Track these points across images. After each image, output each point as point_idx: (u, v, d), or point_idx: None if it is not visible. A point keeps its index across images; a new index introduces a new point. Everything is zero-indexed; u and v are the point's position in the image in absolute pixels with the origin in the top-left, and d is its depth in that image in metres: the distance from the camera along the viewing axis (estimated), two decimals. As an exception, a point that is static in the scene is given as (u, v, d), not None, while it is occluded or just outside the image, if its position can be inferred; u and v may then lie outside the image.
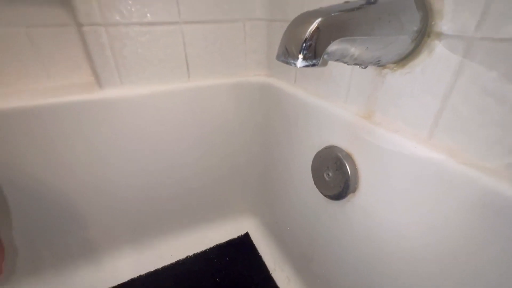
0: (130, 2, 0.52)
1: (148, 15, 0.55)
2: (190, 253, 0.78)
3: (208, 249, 0.80)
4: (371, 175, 0.43)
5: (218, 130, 0.72)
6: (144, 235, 0.78)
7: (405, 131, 0.38)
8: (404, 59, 0.36)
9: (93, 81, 0.60)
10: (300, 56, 0.27)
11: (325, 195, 0.51)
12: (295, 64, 0.28)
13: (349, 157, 0.46)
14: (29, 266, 0.69)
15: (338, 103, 0.49)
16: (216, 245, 0.81)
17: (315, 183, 0.54)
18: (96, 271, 0.73)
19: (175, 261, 0.76)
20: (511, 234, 0.27)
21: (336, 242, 0.54)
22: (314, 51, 0.27)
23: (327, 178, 0.50)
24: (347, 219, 0.49)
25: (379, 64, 0.35)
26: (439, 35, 0.32)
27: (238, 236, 0.84)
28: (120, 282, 0.70)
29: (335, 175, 0.48)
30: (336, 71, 0.48)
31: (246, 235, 0.85)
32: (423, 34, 0.33)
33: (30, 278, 0.70)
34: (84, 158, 0.62)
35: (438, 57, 0.32)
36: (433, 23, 0.32)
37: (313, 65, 0.28)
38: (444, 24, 0.31)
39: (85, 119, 0.58)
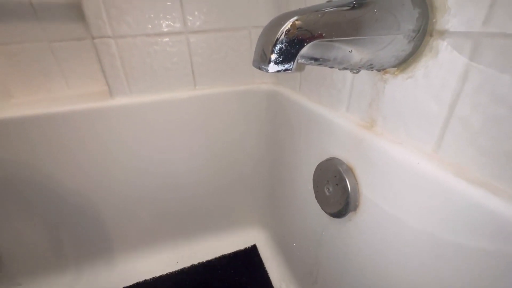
0: (137, 14, 0.55)
1: (155, 26, 0.56)
2: (196, 262, 0.78)
3: (214, 259, 0.79)
4: (372, 192, 0.38)
5: (224, 137, 0.71)
6: (152, 240, 0.79)
7: (409, 144, 0.33)
8: (404, 62, 0.32)
9: (107, 90, 0.64)
10: (272, 60, 0.25)
11: (325, 212, 0.47)
12: (266, 69, 0.26)
13: (349, 171, 0.42)
14: (47, 263, 0.74)
15: (340, 111, 0.45)
16: (223, 255, 0.80)
17: (316, 198, 0.50)
18: (105, 271, 0.75)
19: (180, 269, 0.76)
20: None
21: (339, 265, 0.49)
22: (286, 54, 0.25)
23: (327, 193, 0.46)
24: (349, 240, 0.45)
25: (373, 68, 0.31)
26: (443, 34, 0.27)
27: (246, 248, 0.82)
28: (125, 285, 0.72)
29: (335, 191, 0.44)
30: (337, 76, 0.44)
31: (254, 248, 0.82)
32: (424, 33, 0.28)
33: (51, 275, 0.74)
34: (96, 161, 0.65)
35: (443, 58, 0.28)
36: (434, 20, 0.28)
37: (286, 70, 0.26)
38: (448, 20, 0.27)
39: (97, 125, 0.61)
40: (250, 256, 0.80)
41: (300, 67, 0.54)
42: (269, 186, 0.77)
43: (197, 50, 0.61)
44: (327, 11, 0.25)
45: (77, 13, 0.59)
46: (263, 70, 0.26)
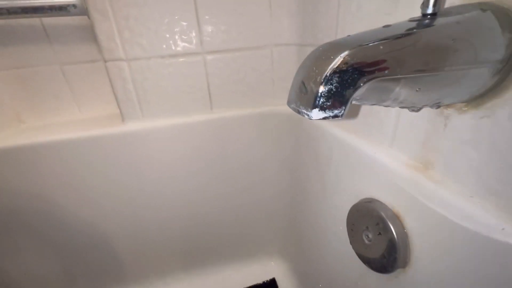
0: (151, 35, 0.51)
1: (169, 47, 0.52)
2: (210, 297, 0.72)
3: (229, 294, 0.72)
4: (428, 250, 0.31)
5: (242, 163, 0.65)
6: (164, 271, 0.74)
7: (484, 199, 0.26)
8: (479, 98, 0.25)
9: (119, 113, 0.60)
10: (318, 104, 0.19)
11: (364, 262, 0.40)
12: (309, 115, 0.20)
13: (396, 219, 0.35)
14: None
15: (381, 146, 0.38)
16: (239, 290, 0.73)
17: (351, 243, 0.43)
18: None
19: (193, 305, 0.70)
20: None
21: (379, 325, 0.42)
22: (336, 98, 0.19)
23: (366, 241, 0.39)
24: (394, 301, 0.37)
25: (439, 106, 0.25)
26: (542, 65, 0.21)
27: (264, 282, 0.75)
28: (135, 322, 0.67)
29: (377, 241, 0.37)
30: (378, 106, 0.38)
31: (273, 282, 0.74)
32: (512, 64, 0.22)
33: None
34: (107, 188, 0.61)
35: (540, 97, 0.21)
36: (529, 47, 0.21)
37: (335, 116, 0.20)
38: (551, 48, 0.20)
39: (108, 151, 0.57)
40: (268, 291, 0.73)
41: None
42: (290, 215, 0.70)
43: (215, 71, 0.57)
44: (388, 42, 0.19)
45: (90, 35, 0.56)
46: (303, 116, 0.21)
